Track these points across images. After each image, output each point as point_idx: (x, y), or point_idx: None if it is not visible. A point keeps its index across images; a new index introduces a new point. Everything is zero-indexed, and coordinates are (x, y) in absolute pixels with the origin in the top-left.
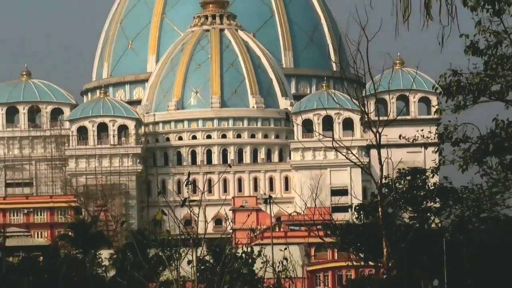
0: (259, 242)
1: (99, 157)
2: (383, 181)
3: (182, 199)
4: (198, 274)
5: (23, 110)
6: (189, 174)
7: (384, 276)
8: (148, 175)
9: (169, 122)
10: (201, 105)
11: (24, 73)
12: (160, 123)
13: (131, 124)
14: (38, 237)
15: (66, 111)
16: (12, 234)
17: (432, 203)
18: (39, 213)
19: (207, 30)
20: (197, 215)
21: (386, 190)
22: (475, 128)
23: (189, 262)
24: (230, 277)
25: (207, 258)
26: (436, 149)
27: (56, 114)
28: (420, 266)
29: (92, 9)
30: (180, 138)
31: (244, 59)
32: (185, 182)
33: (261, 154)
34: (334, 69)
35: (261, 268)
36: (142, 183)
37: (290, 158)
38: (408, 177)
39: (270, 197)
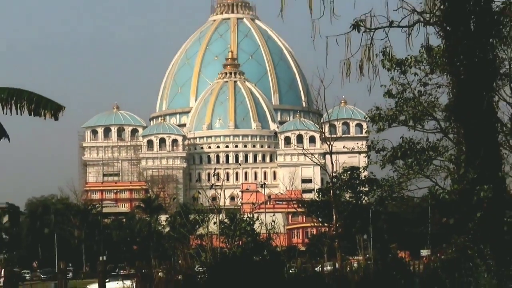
0: (257, 211)
1: (160, 159)
2: (334, 174)
3: (210, 184)
4: (219, 230)
5: (114, 129)
6: (214, 169)
7: (334, 232)
8: (190, 170)
9: (203, 137)
10: (223, 127)
11: (115, 106)
12: (197, 138)
13: (179, 138)
14: (122, 207)
15: (140, 130)
16: (106, 205)
17: (363, 188)
18: (123, 192)
19: (227, 81)
20: (219, 194)
21: (335, 179)
22: (390, 142)
23: (214, 223)
24: (239, 232)
25: (225, 220)
26: (366, 155)
27: (134, 132)
28: (356, 227)
29: (156, 67)
30: (209, 147)
31: (249, 99)
32: (213, 174)
33: (259, 157)
34: (304, 105)
35: (258, 226)
36: (186, 174)
37: (276, 160)
38: (349, 172)
39: (264, 183)
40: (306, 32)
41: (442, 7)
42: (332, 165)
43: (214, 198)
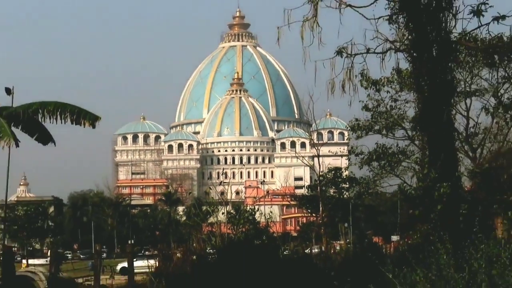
0: (258, 203)
1: (178, 160)
2: (320, 173)
3: (219, 181)
4: (227, 219)
5: (140, 136)
6: (223, 169)
7: (320, 221)
8: (203, 169)
9: (213, 143)
10: (230, 134)
11: (142, 117)
12: (209, 143)
13: (194, 144)
14: (147, 200)
15: (162, 136)
16: (134, 198)
17: (344, 185)
18: (148, 188)
19: (233, 97)
20: (227, 190)
21: (322, 178)
22: (367, 147)
23: (223, 213)
24: (243, 221)
25: (231, 211)
26: (347, 158)
27: (157, 138)
28: (338, 216)
29: (175, 85)
30: (219, 151)
31: (251, 112)
32: (221, 173)
33: (259, 159)
34: (297, 117)
35: (258, 216)
36: (200, 173)
37: (274, 162)
38: (333, 172)
39: (263, 181)
40: (299, 57)
41: (410, 37)
42: (319, 166)
43: (222, 193)
